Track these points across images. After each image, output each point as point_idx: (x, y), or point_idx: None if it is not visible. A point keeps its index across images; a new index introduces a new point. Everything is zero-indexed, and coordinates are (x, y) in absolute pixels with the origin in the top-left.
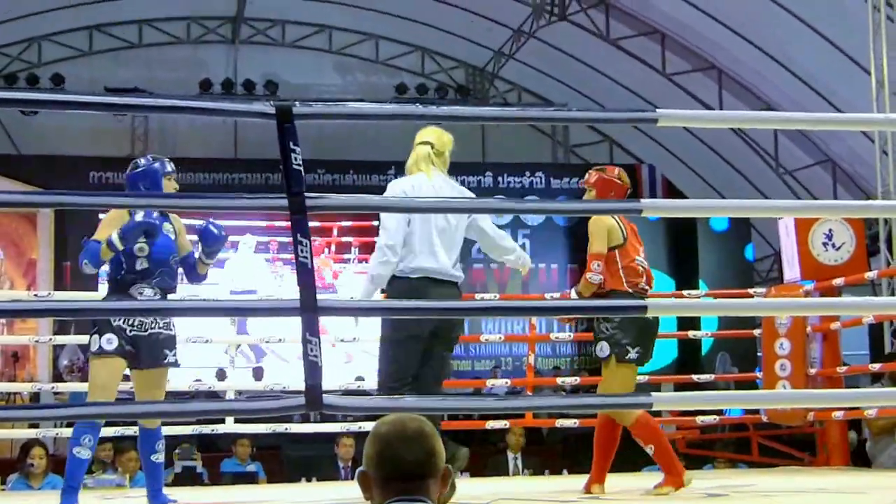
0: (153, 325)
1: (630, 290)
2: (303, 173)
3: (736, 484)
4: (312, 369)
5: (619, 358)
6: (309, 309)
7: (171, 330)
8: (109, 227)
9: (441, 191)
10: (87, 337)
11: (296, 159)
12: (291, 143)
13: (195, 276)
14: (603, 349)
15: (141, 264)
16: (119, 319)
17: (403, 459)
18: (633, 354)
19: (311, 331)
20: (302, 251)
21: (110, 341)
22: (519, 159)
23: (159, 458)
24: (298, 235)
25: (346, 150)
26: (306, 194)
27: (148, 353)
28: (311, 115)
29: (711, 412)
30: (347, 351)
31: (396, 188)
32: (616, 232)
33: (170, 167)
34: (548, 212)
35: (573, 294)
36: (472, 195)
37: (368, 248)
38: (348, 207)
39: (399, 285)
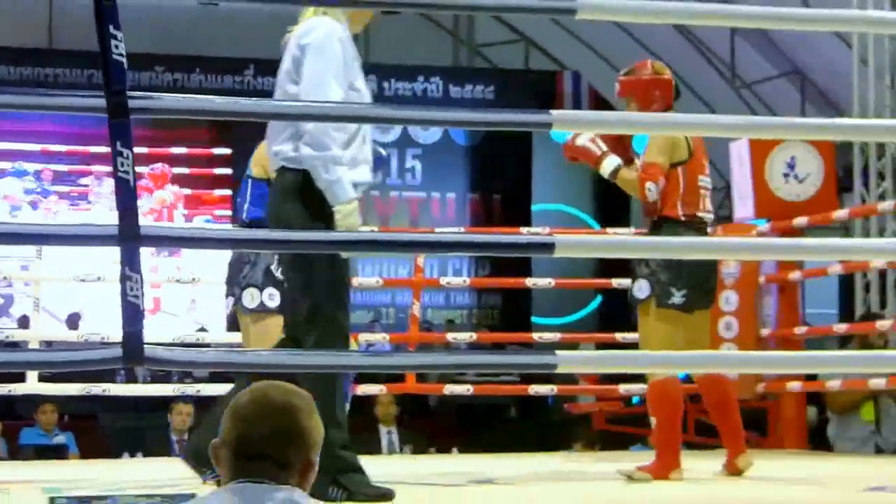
0: None
1: (684, 219)
2: (125, 66)
3: None
4: (132, 313)
5: (659, 301)
6: (129, 237)
7: None
8: None
9: None
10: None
11: (117, 48)
12: (112, 28)
13: None
14: (641, 289)
15: None
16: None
17: (254, 435)
18: (677, 298)
19: (131, 265)
20: (122, 164)
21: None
22: (412, 61)
23: None
24: (119, 144)
25: (193, 43)
26: (130, 93)
27: None
28: None
29: (637, 380)
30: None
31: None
32: (682, 144)
33: None
34: (441, 123)
35: (607, 168)
36: None
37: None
38: (184, 111)
39: None
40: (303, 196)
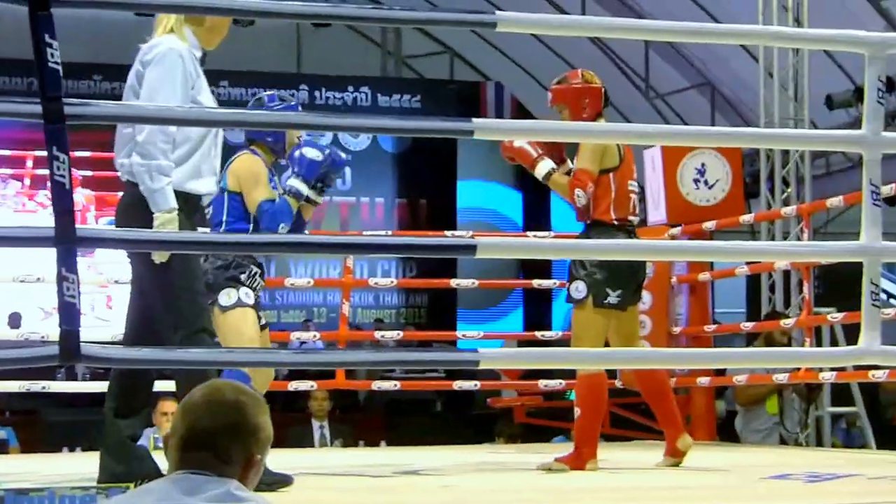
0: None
1: (616, 223)
2: (60, 73)
3: None
4: (69, 312)
5: (596, 301)
6: (66, 239)
7: None
8: (256, 180)
9: None
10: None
11: (52, 56)
12: (47, 36)
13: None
14: (579, 289)
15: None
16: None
17: (201, 428)
18: (613, 298)
19: (67, 266)
20: (59, 168)
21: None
22: (341, 72)
23: None
24: (55, 149)
25: (130, 53)
26: (66, 100)
27: None
28: (72, 1)
29: (556, 375)
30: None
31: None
32: (612, 151)
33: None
34: (368, 130)
35: (542, 170)
36: None
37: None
38: (118, 118)
39: None
40: (145, 208)
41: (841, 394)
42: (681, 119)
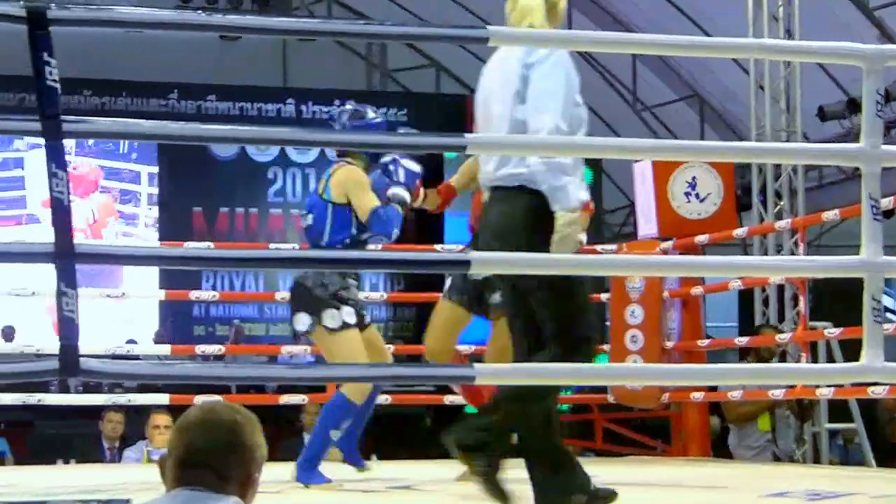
0: None
1: None
2: (59, 91)
3: None
4: (68, 327)
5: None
6: (65, 254)
7: None
8: (364, 187)
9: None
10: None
11: (51, 74)
12: (46, 55)
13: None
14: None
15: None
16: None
17: (196, 446)
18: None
19: (66, 281)
20: (57, 185)
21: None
22: (327, 85)
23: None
24: (53, 166)
25: (119, 68)
26: (64, 117)
27: None
28: (70, 20)
29: None
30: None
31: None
32: None
33: None
34: (362, 146)
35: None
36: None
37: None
38: (115, 135)
39: None
40: (539, 219)
41: (837, 410)
42: (669, 131)
